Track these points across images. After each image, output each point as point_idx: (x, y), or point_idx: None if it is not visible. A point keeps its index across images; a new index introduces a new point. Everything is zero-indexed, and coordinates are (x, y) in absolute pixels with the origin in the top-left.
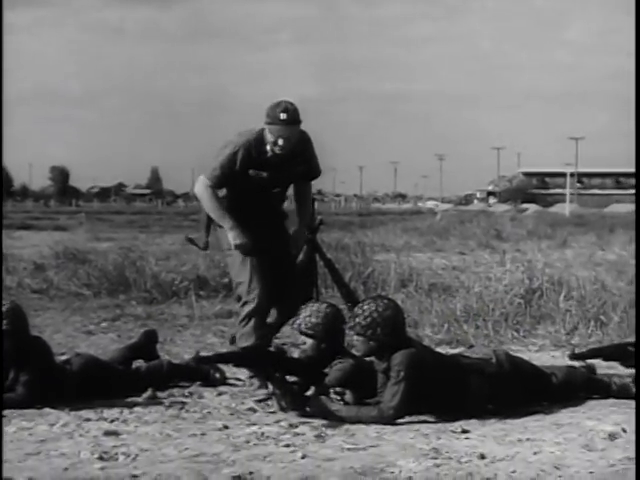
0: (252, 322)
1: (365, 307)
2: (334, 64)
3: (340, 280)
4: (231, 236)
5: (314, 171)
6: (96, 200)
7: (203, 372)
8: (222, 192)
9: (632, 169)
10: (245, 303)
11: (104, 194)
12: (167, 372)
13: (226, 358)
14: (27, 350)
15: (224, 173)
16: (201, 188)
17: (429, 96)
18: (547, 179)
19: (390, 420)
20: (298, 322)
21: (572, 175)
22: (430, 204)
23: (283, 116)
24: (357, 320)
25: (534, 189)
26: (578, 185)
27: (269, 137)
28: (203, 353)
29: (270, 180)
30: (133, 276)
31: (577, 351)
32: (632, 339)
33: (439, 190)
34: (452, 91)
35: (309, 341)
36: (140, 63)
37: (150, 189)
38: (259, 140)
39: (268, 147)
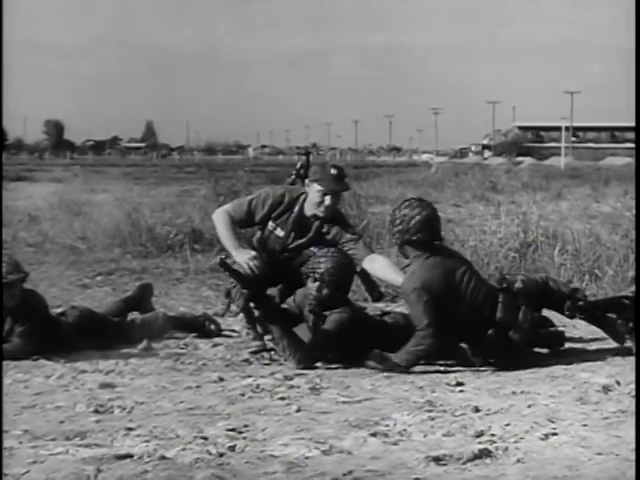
0: None
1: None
2: (326, 15)
3: None
4: (235, 254)
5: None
6: (91, 153)
7: (198, 323)
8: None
9: (627, 123)
10: None
11: (99, 147)
12: (162, 323)
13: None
14: (22, 303)
15: (248, 208)
16: (218, 211)
17: (422, 48)
18: (542, 133)
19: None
20: (321, 271)
21: (567, 129)
22: (425, 157)
23: (334, 171)
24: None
25: (529, 143)
26: (573, 139)
27: (314, 196)
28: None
29: (286, 244)
30: (128, 229)
31: None
32: (627, 292)
33: (434, 144)
34: (445, 43)
35: (325, 290)
36: (134, 14)
37: (145, 142)
38: (293, 198)
39: (297, 208)
